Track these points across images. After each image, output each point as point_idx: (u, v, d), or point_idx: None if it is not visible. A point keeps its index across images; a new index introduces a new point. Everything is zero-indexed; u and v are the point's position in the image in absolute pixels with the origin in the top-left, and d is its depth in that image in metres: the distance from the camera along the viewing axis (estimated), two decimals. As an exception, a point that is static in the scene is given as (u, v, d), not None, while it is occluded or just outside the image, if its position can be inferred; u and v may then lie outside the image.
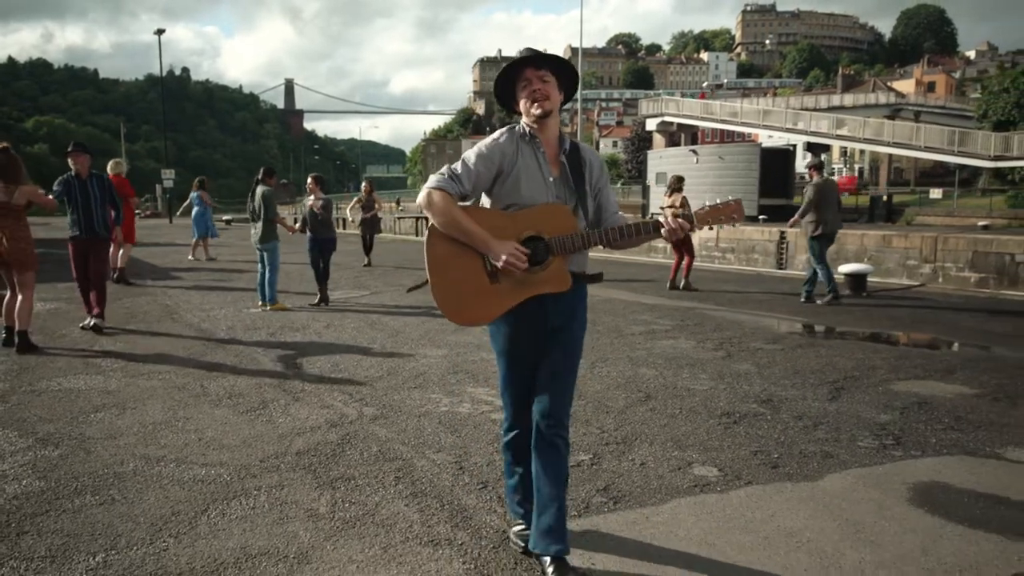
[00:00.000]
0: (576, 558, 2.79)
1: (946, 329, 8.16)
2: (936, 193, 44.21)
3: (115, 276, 11.18)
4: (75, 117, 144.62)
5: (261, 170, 9.25)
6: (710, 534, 3.03)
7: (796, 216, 10.16)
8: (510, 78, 2.66)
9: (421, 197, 2.56)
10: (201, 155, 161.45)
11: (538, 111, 2.59)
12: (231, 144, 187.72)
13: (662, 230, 2.57)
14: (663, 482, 3.61)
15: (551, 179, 2.64)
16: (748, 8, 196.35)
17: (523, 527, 2.84)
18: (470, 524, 3.11)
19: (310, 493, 3.41)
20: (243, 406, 4.83)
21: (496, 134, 2.67)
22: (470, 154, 2.62)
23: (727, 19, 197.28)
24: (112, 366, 5.93)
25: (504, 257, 2.47)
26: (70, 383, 5.37)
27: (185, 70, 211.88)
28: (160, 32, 40.26)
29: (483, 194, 2.66)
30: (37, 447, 4.00)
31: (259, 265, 9.23)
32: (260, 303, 9.14)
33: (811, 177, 10.34)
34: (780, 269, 19.29)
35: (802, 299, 9.90)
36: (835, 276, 10.20)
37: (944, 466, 3.89)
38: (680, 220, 2.58)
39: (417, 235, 40.95)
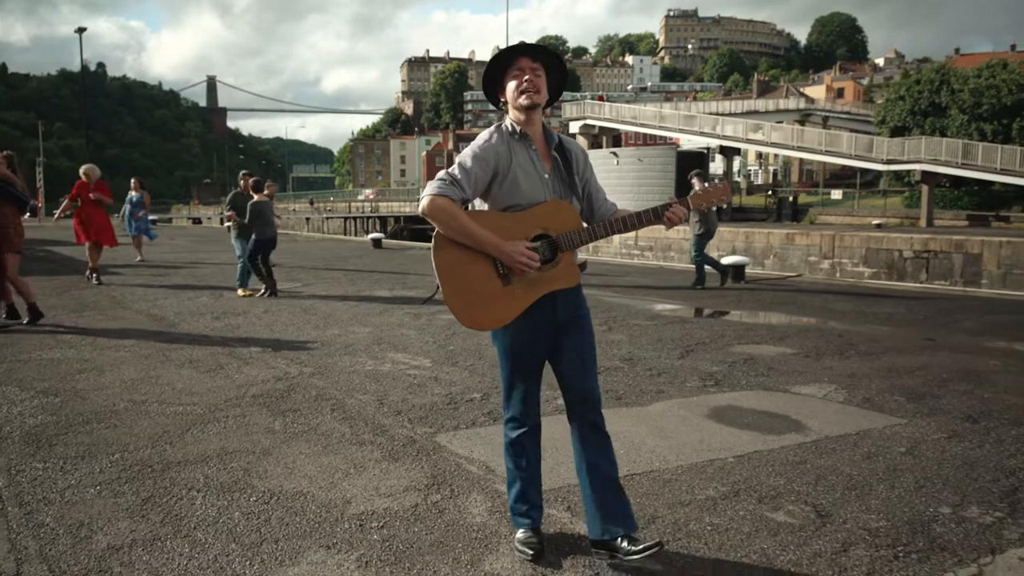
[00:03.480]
0: (460, 447, 4.02)
1: (797, 308, 9.71)
2: (837, 194, 47.14)
3: (94, 276, 11.78)
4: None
5: (253, 181, 10.39)
6: (555, 436, 4.28)
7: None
8: (502, 66, 2.66)
9: (423, 205, 2.53)
10: (119, 153, 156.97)
11: (526, 101, 2.59)
12: (150, 142, 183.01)
13: (664, 218, 2.62)
14: (532, 409, 4.85)
15: (546, 176, 2.67)
16: (671, 13, 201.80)
17: (531, 535, 2.80)
18: (387, 433, 4.29)
19: (266, 418, 4.55)
20: (203, 368, 5.90)
21: (485, 134, 2.67)
22: (465, 158, 2.59)
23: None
24: (81, 342, 6.88)
25: (517, 258, 2.49)
26: (49, 355, 6.32)
27: (101, 65, 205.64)
28: (81, 31, 39.88)
29: (478, 198, 2.67)
30: (40, 396, 5.01)
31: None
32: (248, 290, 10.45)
33: (694, 184, 11.84)
34: (693, 264, 20.75)
35: (721, 284, 11.63)
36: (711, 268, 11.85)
37: (742, 396, 5.25)
38: (678, 206, 2.62)
39: (346, 234, 41.61)
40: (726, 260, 13.11)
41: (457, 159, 2.61)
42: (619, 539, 2.64)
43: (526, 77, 2.59)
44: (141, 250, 16.43)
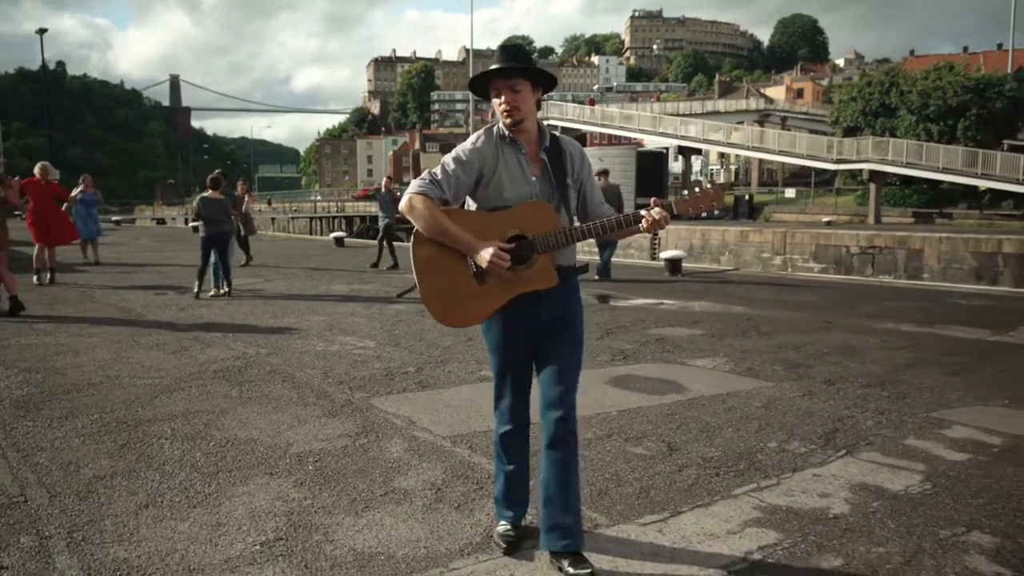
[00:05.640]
0: (389, 407, 4.78)
1: (721, 297, 10.59)
2: (790, 192, 48.52)
3: (49, 275, 11.70)
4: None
5: (210, 179, 10.71)
6: (476, 398, 5.07)
7: None
8: (483, 85, 2.66)
9: (403, 203, 2.57)
10: (80, 153, 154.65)
11: (507, 121, 2.61)
12: (113, 142, 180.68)
13: (642, 222, 2.60)
14: (459, 378, 5.63)
15: (533, 179, 2.66)
16: (636, 14, 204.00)
17: (508, 528, 2.85)
18: (328, 397, 5.04)
19: (225, 388, 5.27)
20: (169, 349, 6.58)
21: (474, 137, 2.68)
22: (448, 159, 2.62)
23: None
24: (56, 330, 7.51)
25: (487, 258, 2.49)
26: (27, 341, 6.96)
27: (61, 64, 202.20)
28: (42, 31, 39.83)
29: (468, 198, 2.69)
30: (23, 374, 5.67)
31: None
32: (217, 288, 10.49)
33: (599, 180, 12.65)
34: (653, 260, 21.60)
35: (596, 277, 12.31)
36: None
37: (642, 368, 6.07)
38: (661, 210, 2.57)
39: (311, 234, 42.04)
40: (664, 254, 13.99)
41: (443, 159, 2.65)
42: (565, 555, 2.60)
43: (503, 98, 2.58)
44: (97, 252, 15.70)
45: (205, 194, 10.55)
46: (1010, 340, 7.49)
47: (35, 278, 11.56)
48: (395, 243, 14.86)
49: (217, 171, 11.10)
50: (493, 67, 2.58)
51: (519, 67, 2.58)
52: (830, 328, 8.07)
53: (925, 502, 3.36)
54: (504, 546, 2.81)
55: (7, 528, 3.04)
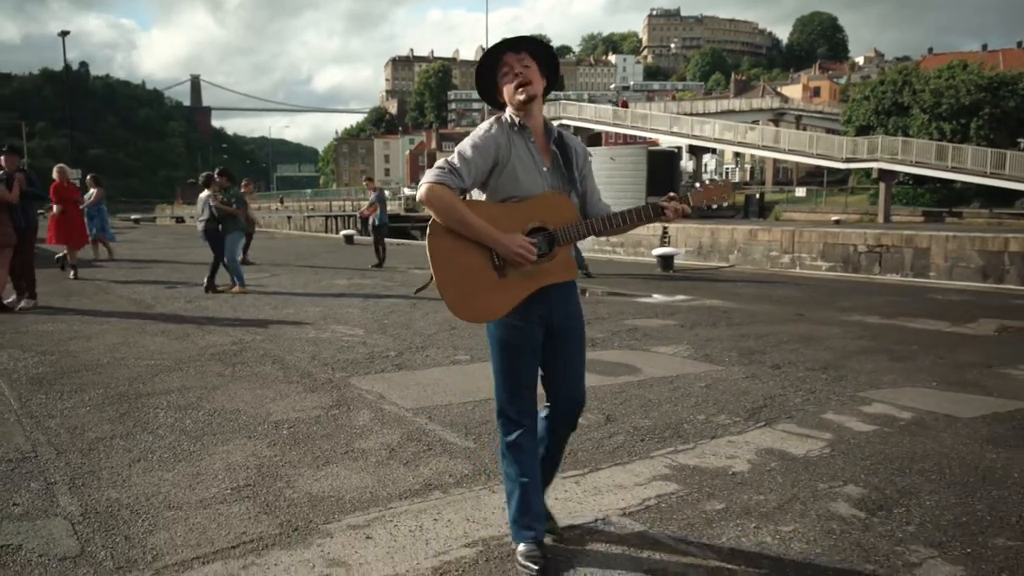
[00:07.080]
0: (365, 384, 5.29)
1: (706, 292, 11.02)
2: (800, 191, 48.61)
3: (72, 272, 12.21)
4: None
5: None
6: (444, 377, 5.56)
7: None
8: (491, 68, 2.64)
9: (420, 192, 2.51)
10: (102, 153, 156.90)
11: (522, 96, 2.56)
12: (134, 142, 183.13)
13: (666, 212, 2.61)
14: (435, 361, 6.13)
15: (544, 169, 2.64)
16: (654, 12, 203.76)
17: (533, 547, 2.65)
18: (312, 377, 5.56)
19: (219, 368, 5.80)
20: (173, 335, 7.14)
21: (486, 124, 2.62)
22: (465, 147, 2.55)
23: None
24: (70, 319, 8.10)
25: (514, 250, 2.47)
26: (43, 328, 7.54)
27: (84, 65, 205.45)
28: (64, 34, 40.82)
29: (477, 189, 2.63)
30: (39, 355, 6.23)
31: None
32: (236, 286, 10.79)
33: None
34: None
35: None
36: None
37: (607, 354, 6.54)
38: (678, 204, 2.62)
39: (327, 232, 42.74)
40: (657, 251, 14.42)
41: (457, 148, 2.58)
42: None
43: (516, 71, 2.56)
44: (109, 249, 16.11)
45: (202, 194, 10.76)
46: (967, 331, 7.89)
47: (71, 273, 12.20)
48: (387, 241, 15.24)
49: (219, 169, 11.49)
50: (502, 40, 2.63)
51: (527, 41, 2.62)
52: (799, 320, 8.50)
53: (819, 463, 3.81)
54: (535, 568, 2.59)
55: (20, 476, 3.57)
